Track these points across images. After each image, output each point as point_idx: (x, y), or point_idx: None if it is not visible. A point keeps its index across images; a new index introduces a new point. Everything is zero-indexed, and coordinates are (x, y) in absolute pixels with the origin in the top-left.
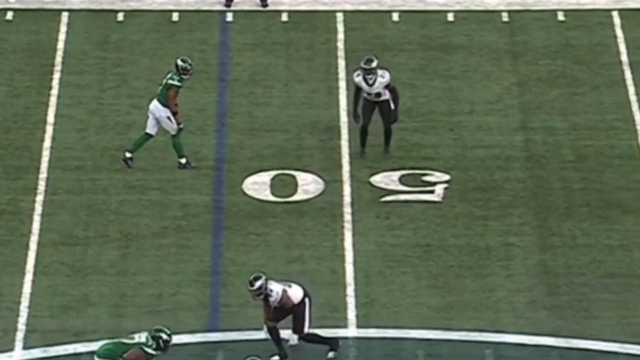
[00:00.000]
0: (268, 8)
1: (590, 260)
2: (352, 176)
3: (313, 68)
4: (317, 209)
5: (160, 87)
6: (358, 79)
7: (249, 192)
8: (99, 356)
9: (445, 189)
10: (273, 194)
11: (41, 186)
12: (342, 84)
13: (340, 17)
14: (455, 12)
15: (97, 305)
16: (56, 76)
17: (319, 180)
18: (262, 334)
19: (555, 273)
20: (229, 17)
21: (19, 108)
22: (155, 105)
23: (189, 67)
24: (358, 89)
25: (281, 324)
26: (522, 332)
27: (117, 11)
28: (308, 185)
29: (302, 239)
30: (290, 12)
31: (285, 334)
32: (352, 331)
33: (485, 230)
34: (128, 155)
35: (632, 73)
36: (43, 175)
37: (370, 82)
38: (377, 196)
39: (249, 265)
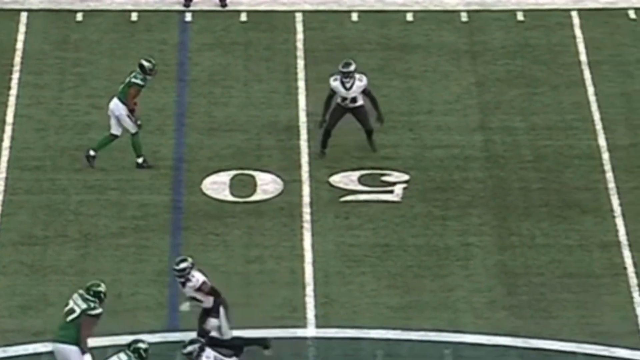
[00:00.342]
0: (227, 8)
1: (549, 260)
2: (311, 176)
3: (272, 68)
4: (276, 209)
5: (122, 86)
6: (335, 83)
7: (207, 192)
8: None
9: (405, 188)
10: (232, 194)
11: (0, 186)
12: (301, 84)
13: (299, 17)
14: (414, 12)
15: (57, 305)
16: (15, 76)
17: (278, 180)
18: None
19: (514, 273)
20: (188, 17)
21: None
22: (115, 103)
23: (153, 67)
24: (332, 94)
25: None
26: (481, 332)
27: (76, 11)
28: (267, 185)
29: (261, 238)
30: (249, 12)
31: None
32: (311, 331)
33: (444, 230)
34: (92, 153)
35: (591, 73)
36: (2, 175)
37: (348, 85)
38: (336, 196)
39: (208, 265)
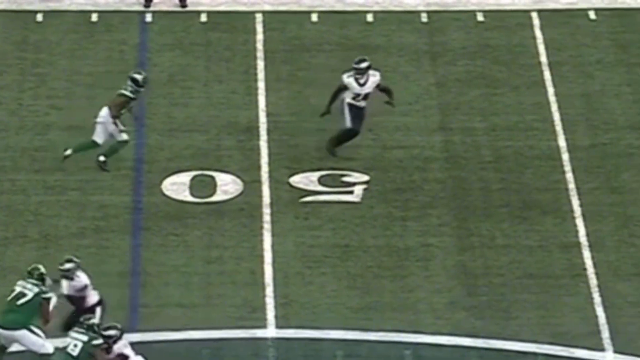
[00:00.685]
0: (187, 9)
1: (509, 260)
2: (271, 177)
3: (232, 69)
4: (236, 210)
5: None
6: (349, 79)
7: (168, 193)
8: None
9: (365, 189)
10: (192, 194)
11: None
12: (261, 85)
13: (259, 17)
14: (374, 12)
15: None
16: None
17: (238, 180)
18: (182, 335)
19: (474, 274)
20: (148, 17)
21: None
22: (104, 111)
23: (145, 79)
24: (341, 89)
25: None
26: (441, 333)
27: (36, 12)
28: (227, 185)
29: (221, 239)
30: (209, 12)
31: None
32: (271, 332)
33: (404, 231)
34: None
35: (551, 74)
36: None
37: (362, 82)
38: (296, 197)
39: (168, 265)
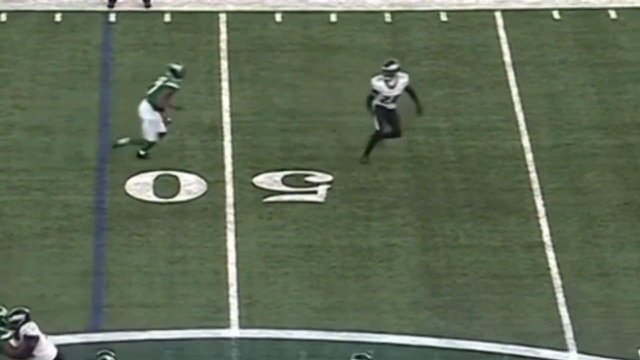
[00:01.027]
0: (151, 9)
1: (472, 260)
2: (235, 177)
3: (195, 69)
4: (199, 210)
5: (153, 90)
6: (379, 83)
7: (131, 193)
8: None
9: (328, 189)
10: (156, 194)
11: None
12: (225, 85)
13: (223, 17)
14: (338, 12)
15: None
16: None
17: (202, 180)
18: (145, 335)
19: (437, 274)
20: (112, 17)
21: None
22: (145, 107)
23: (184, 70)
24: (373, 94)
25: None
26: (405, 333)
27: None
28: (190, 185)
29: (185, 239)
30: (173, 12)
31: None
32: (234, 332)
33: (367, 231)
34: (142, 153)
35: (515, 74)
36: None
37: (392, 84)
38: (259, 197)
39: (131, 265)
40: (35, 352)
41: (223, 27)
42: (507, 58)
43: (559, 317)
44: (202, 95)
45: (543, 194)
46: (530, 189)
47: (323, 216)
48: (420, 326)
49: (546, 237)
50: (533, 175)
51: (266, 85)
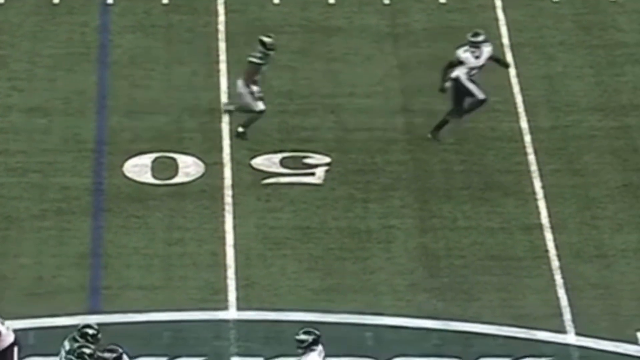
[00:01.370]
0: None
1: (470, 242)
2: (233, 159)
3: (193, 50)
4: (197, 192)
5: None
6: (465, 54)
7: (129, 175)
8: None
9: (326, 171)
10: (154, 176)
11: None
12: (223, 67)
13: None
14: None
15: None
16: None
17: (200, 162)
18: (143, 317)
19: (435, 255)
20: None
21: None
22: (239, 82)
23: (274, 43)
24: (453, 64)
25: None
26: (402, 315)
27: None
28: (188, 167)
29: (183, 221)
30: None
31: None
32: (232, 313)
33: (365, 213)
34: (241, 130)
35: (513, 55)
36: None
37: (477, 54)
38: (257, 179)
39: (129, 247)
40: None
41: (221, 9)
42: (505, 40)
43: (557, 299)
44: (200, 78)
45: (541, 175)
46: (529, 171)
47: (321, 198)
48: (418, 308)
49: (544, 219)
50: (531, 157)
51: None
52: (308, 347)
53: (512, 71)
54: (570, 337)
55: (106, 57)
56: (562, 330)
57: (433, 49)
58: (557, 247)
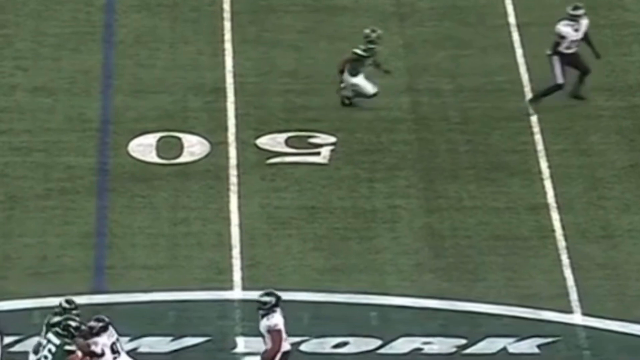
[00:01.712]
0: None
1: (476, 222)
2: (238, 138)
3: (199, 30)
4: (202, 171)
5: None
6: (566, 28)
7: (134, 154)
8: None
9: (331, 151)
10: (158, 155)
11: None
12: (228, 46)
13: None
14: None
15: None
16: None
17: (205, 142)
18: (148, 296)
19: (441, 235)
20: None
21: None
22: (345, 75)
23: (376, 37)
24: (559, 40)
25: None
26: (408, 295)
27: None
28: (193, 147)
29: (188, 201)
30: None
31: None
32: (237, 293)
33: (371, 193)
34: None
35: (520, 35)
36: None
37: (576, 28)
38: (262, 158)
39: (134, 227)
40: None
41: None
42: (511, 19)
43: (563, 279)
44: (205, 57)
45: (547, 155)
46: (535, 151)
47: (326, 177)
48: (424, 288)
49: (550, 199)
50: (537, 137)
51: (269, 47)
52: (271, 309)
53: (519, 51)
54: (577, 317)
55: (111, 36)
56: (568, 311)
57: (439, 28)
58: (563, 227)
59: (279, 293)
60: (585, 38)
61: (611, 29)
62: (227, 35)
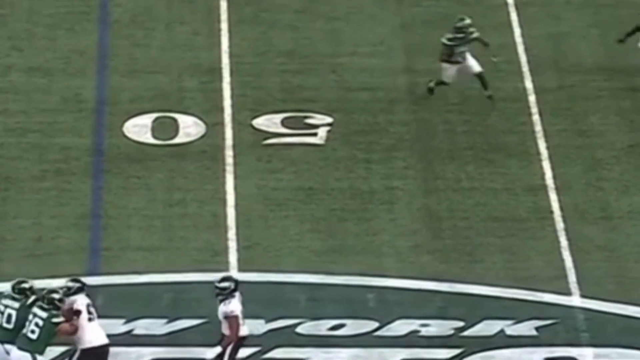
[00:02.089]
0: None
1: (474, 203)
2: (234, 119)
3: (195, 10)
4: (198, 152)
5: None
6: None
7: (129, 135)
8: None
9: (328, 131)
10: (154, 136)
11: None
12: (224, 26)
13: None
14: None
15: None
16: None
17: (200, 122)
18: (143, 278)
19: (439, 217)
20: None
21: None
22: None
23: (463, 26)
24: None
25: None
26: (405, 276)
27: None
28: (189, 127)
29: (183, 182)
30: None
31: None
32: (233, 275)
33: (368, 174)
34: (431, 85)
35: (518, 15)
36: None
37: None
38: (259, 139)
39: (129, 208)
40: None
41: None
42: None
43: (562, 260)
44: (201, 37)
45: (546, 136)
46: (533, 131)
47: (323, 158)
48: (421, 269)
49: (549, 180)
50: (536, 118)
51: (266, 27)
52: (230, 294)
53: (517, 30)
54: (575, 299)
55: (107, 16)
56: (567, 293)
57: (436, 8)
58: (562, 208)
59: (275, 275)
60: None
61: (610, 9)
62: (224, 15)
